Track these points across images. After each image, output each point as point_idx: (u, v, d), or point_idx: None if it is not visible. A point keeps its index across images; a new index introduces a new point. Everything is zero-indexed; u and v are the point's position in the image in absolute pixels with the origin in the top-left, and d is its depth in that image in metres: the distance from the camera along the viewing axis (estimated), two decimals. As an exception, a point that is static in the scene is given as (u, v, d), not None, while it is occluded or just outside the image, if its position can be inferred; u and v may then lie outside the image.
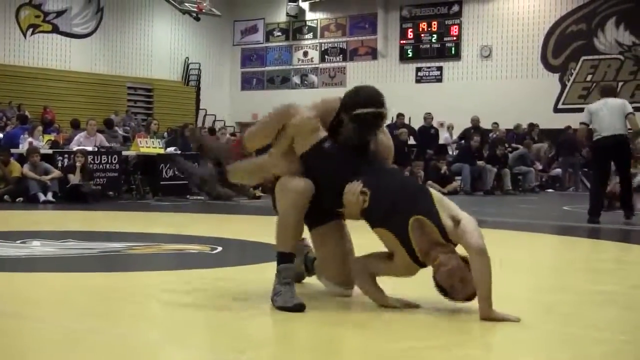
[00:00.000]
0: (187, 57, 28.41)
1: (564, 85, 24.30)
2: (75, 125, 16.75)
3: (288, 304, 4.05)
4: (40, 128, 15.68)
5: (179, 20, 27.39)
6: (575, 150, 19.91)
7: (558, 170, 20.86)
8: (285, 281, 4.17)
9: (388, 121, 21.58)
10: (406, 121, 20.65)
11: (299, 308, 4.02)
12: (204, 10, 24.84)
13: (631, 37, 23.48)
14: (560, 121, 22.33)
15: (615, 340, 3.63)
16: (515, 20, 24.97)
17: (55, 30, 25.17)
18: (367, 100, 4.13)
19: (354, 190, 4.07)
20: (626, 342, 3.61)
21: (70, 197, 12.73)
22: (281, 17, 29.21)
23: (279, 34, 29.46)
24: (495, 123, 21.16)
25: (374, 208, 4.08)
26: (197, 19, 25.37)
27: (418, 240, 3.97)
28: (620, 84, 23.52)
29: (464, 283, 3.92)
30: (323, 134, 4.16)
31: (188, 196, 14.51)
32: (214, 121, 26.54)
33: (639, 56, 23.35)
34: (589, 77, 24.02)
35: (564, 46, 24.36)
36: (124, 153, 14.73)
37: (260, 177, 4.65)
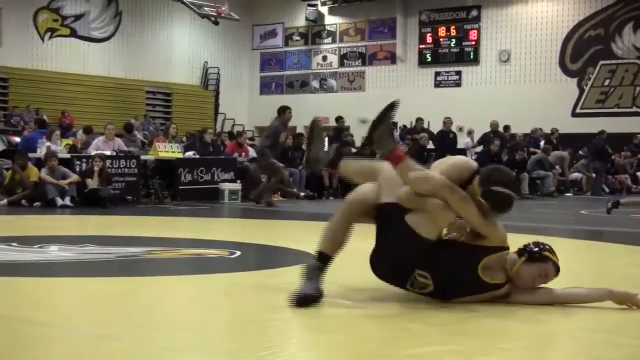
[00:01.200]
0: (206, 62, 28.50)
1: (582, 90, 24.21)
2: (88, 131, 16.81)
3: (292, 298, 4.22)
4: (58, 132, 15.75)
5: (197, 25, 27.48)
6: (604, 156, 19.82)
7: (576, 174, 20.77)
8: (303, 276, 4.35)
9: (407, 125, 21.48)
10: (425, 126, 20.62)
11: (294, 303, 4.17)
12: (222, 15, 24.89)
13: (649, 41, 23.37)
14: (578, 126, 22.26)
15: (630, 345, 3.62)
16: (534, 25, 24.89)
17: (73, 34, 25.31)
18: (508, 182, 4.33)
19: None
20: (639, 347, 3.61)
21: (88, 201, 12.77)
22: (300, 22, 29.25)
23: (298, 38, 29.49)
24: (507, 126, 21.07)
25: None
26: (216, 23, 25.43)
27: None
28: (637, 88, 23.44)
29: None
30: None
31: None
32: (232, 125, 26.61)
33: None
34: (606, 82, 23.91)
35: (582, 51, 24.27)
36: (143, 157, 14.78)
37: (365, 179, 4.69)
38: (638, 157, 22.37)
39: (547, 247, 4.37)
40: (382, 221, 4.44)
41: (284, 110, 14.89)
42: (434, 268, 4.27)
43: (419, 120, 20.06)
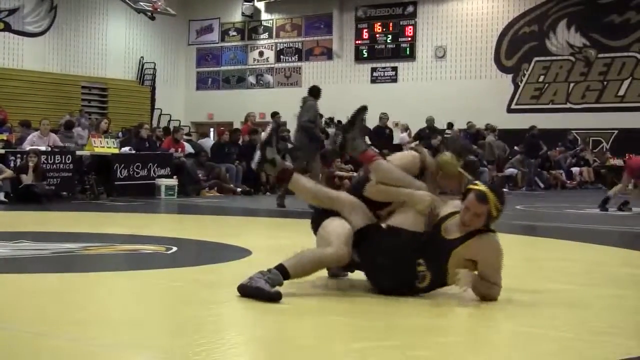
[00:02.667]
0: (142, 57, 28.19)
1: (516, 86, 24.59)
2: (26, 125, 16.54)
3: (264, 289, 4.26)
4: (-10, 127, 15.46)
5: (133, 20, 27.18)
6: (537, 151, 20.14)
7: (512, 170, 21.11)
8: (269, 282, 4.34)
9: (343, 121, 21.48)
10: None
11: (275, 296, 4.24)
12: (159, 10, 24.68)
13: (582, 38, 23.85)
14: (513, 122, 22.61)
15: (564, 338, 3.71)
16: (469, 22, 25.20)
17: (7, 28, 24.80)
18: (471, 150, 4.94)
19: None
20: (572, 340, 3.69)
21: (23, 197, 12.56)
22: (237, 17, 29.13)
23: (235, 33, 29.38)
24: (450, 123, 21.33)
25: None
26: (152, 18, 25.20)
27: None
28: (571, 85, 23.91)
29: None
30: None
31: None
32: (169, 121, 26.37)
33: (589, 58, 23.71)
34: (541, 78, 24.33)
35: (516, 47, 24.66)
36: (78, 153, 14.59)
37: (318, 203, 4.90)
38: (571, 152, 22.83)
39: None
40: (366, 241, 4.54)
41: (319, 91, 13.26)
42: (424, 253, 4.37)
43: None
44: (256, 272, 4.41)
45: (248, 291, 4.29)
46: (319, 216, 4.79)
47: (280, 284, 4.38)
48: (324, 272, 4.78)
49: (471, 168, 4.62)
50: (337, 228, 4.55)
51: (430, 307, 4.35)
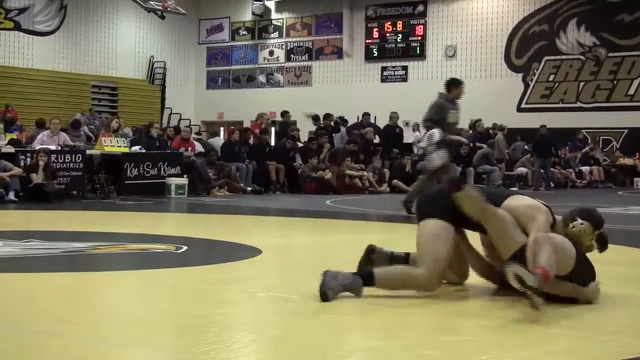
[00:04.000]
0: (152, 56, 28.25)
1: (527, 85, 24.54)
2: (41, 125, 16.58)
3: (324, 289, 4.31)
4: (1, 126, 15.48)
5: (144, 19, 27.23)
6: (548, 150, 20.06)
7: (522, 169, 21.05)
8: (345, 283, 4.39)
9: (353, 120, 21.55)
10: (372, 120, 20.73)
11: (324, 296, 4.28)
12: (169, 9, 24.70)
13: (592, 38, 23.78)
14: (523, 121, 22.56)
15: (569, 336, 3.70)
16: (479, 21, 25.16)
17: (17, 27, 24.88)
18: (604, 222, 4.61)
19: None
20: (581, 339, 3.69)
21: (33, 196, 12.59)
22: (247, 16, 29.16)
23: (245, 32, 29.40)
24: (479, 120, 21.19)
25: None
26: (162, 17, 25.22)
27: None
28: (581, 84, 23.83)
29: None
30: None
31: None
32: (179, 120, 26.42)
33: (599, 57, 23.64)
34: (551, 77, 24.27)
35: (526, 46, 24.60)
36: (88, 152, 14.61)
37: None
38: (581, 152, 22.75)
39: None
40: None
41: (456, 84, 11.62)
42: None
43: (366, 114, 20.16)
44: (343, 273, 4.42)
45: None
46: (423, 207, 4.71)
47: (359, 292, 4.39)
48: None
49: (601, 243, 4.55)
50: (438, 250, 4.47)
51: (439, 306, 4.35)
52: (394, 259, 4.85)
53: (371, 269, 4.51)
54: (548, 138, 20.15)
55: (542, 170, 19.90)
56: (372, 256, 4.85)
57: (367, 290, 4.44)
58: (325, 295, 4.28)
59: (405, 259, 4.85)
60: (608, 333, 3.88)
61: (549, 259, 4.16)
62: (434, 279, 4.44)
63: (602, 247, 4.57)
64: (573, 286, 4.36)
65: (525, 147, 21.70)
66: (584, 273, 4.40)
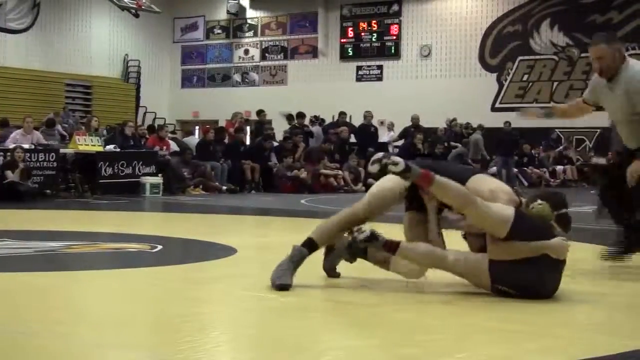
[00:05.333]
0: (127, 54, 28.09)
1: (501, 85, 24.68)
2: (5, 124, 16.43)
3: (275, 282, 4.53)
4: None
5: (118, 17, 27.04)
6: (512, 148, 20.16)
7: (494, 169, 21.15)
8: (291, 260, 4.61)
9: (329, 119, 21.55)
10: (347, 119, 20.78)
11: (280, 288, 4.47)
12: (143, 7, 24.58)
13: (565, 38, 23.96)
14: (497, 120, 22.67)
15: (544, 335, 3.73)
16: (454, 21, 25.26)
17: (-11, 25, 24.65)
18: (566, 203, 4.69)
19: None
20: (556, 337, 3.72)
21: (6, 195, 12.48)
22: (222, 15, 29.08)
23: (220, 31, 29.32)
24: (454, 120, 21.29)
25: None
26: (137, 15, 25.08)
27: None
28: (555, 84, 24.01)
29: None
30: None
31: None
32: (154, 119, 26.29)
33: (572, 57, 23.83)
34: (525, 77, 24.43)
35: (501, 46, 24.74)
36: (62, 151, 14.52)
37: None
38: (555, 151, 22.92)
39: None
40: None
41: None
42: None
43: (342, 114, 20.20)
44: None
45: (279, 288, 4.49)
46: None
47: (303, 258, 4.61)
48: (310, 271, 4.78)
49: (564, 222, 4.60)
50: (379, 188, 4.73)
51: (416, 304, 4.37)
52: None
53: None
54: (511, 136, 20.25)
55: (503, 170, 19.85)
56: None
57: (342, 289, 4.45)
58: (283, 288, 4.49)
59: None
60: (585, 331, 3.92)
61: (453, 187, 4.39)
62: (367, 209, 4.70)
63: (565, 226, 4.59)
64: (533, 245, 4.38)
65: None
66: (535, 232, 4.43)
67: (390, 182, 4.67)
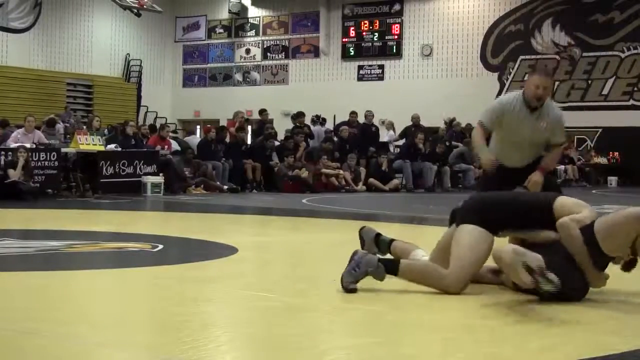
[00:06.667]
0: (128, 54, 28.10)
1: (502, 84, 24.66)
2: (3, 125, 16.42)
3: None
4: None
5: (119, 16, 27.06)
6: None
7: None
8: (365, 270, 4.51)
9: (330, 119, 21.45)
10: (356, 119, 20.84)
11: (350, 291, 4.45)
12: (144, 6, 24.56)
13: (566, 37, 23.94)
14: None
15: (550, 335, 3.72)
16: (456, 20, 25.24)
17: (-9, 24, 24.66)
18: None
19: None
20: (559, 335, 3.71)
21: (7, 194, 12.48)
22: (223, 14, 29.07)
23: (221, 30, 29.31)
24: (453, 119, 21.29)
25: None
26: (138, 14, 25.06)
27: None
28: (556, 83, 23.98)
29: None
30: None
31: None
32: (155, 118, 26.31)
33: (573, 56, 23.81)
34: (526, 77, 24.39)
35: (502, 46, 24.72)
36: (63, 150, 14.52)
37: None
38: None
39: None
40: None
41: None
42: None
43: (352, 113, 20.19)
44: (363, 254, 4.54)
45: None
46: (462, 213, 4.74)
47: (382, 278, 4.49)
48: (313, 272, 4.78)
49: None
50: (469, 257, 4.52)
51: (415, 304, 4.36)
52: (379, 241, 5.10)
53: (397, 259, 4.69)
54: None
55: None
56: (362, 234, 5.16)
57: (344, 292, 4.46)
58: (349, 290, 4.46)
59: (388, 244, 5.08)
60: (584, 330, 3.90)
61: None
62: (459, 284, 4.52)
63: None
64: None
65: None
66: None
67: (480, 250, 4.56)
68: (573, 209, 4.57)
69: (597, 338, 3.73)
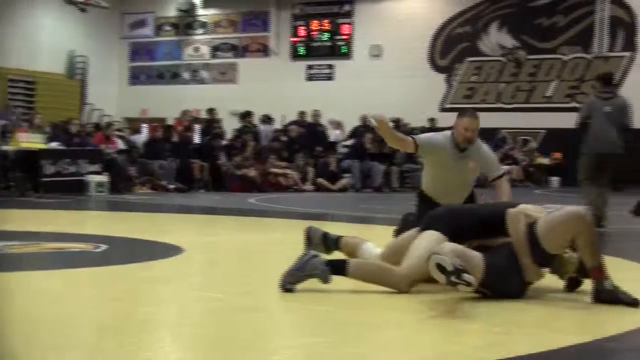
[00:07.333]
0: (73, 50, 27.68)
1: (450, 86, 24.86)
2: None
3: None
4: None
5: (64, 12, 26.60)
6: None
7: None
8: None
9: (279, 118, 21.38)
10: (296, 118, 20.78)
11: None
12: (90, 2, 24.23)
13: (512, 40, 24.23)
14: (446, 120, 22.79)
15: (491, 332, 3.72)
16: (405, 21, 25.36)
17: None
18: None
19: None
20: (501, 334, 3.71)
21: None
22: (171, 12, 28.82)
23: (169, 28, 29.05)
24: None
25: None
26: (83, 10, 24.71)
27: None
28: (502, 85, 24.29)
29: None
30: None
31: None
32: (101, 116, 25.96)
33: (519, 59, 24.10)
34: (473, 78, 24.65)
35: (450, 47, 24.91)
36: (3, 148, 14.20)
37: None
38: (500, 151, 23.14)
39: None
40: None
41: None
42: None
43: (301, 113, 20.16)
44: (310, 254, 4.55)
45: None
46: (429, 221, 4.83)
47: (327, 281, 4.47)
48: (263, 271, 4.70)
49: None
50: (420, 257, 4.54)
51: (365, 303, 4.34)
52: (326, 240, 5.19)
53: (345, 259, 4.74)
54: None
55: None
56: (309, 234, 5.22)
57: (297, 293, 4.40)
58: (286, 290, 4.45)
59: (336, 242, 5.19)
60: (528, 327, 3.98)
61: None
62: (408, 283, 4.58)
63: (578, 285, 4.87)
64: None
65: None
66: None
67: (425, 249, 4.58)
68: (526, 211, 4.71)
69: (538, 335, 3.80)
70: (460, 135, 5.79)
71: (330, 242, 5.19)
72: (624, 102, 9.72)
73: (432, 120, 22.26)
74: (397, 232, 5.43)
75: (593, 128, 9.41)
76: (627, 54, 22.66)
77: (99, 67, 28.38)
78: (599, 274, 4.43)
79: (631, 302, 4.31)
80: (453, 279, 4.09)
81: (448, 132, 5.93)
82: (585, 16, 23.44)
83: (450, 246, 4.38)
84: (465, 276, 4.09)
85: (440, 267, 4.12)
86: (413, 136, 6.03)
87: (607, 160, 9.44)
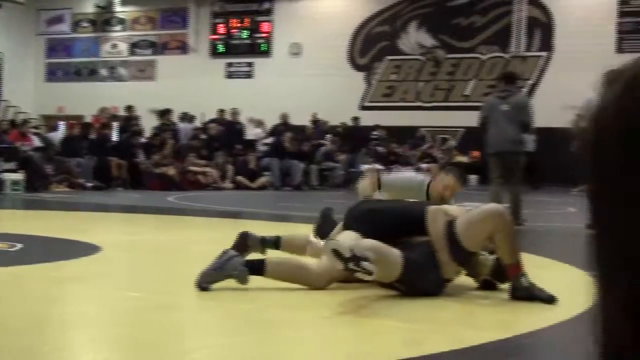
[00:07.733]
0: (-13, 46, 27.01)
1: (369, 84, 25.09)
2: None
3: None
4: None
5: (-23, 7, 25.98)
6: (358, 145, 20.70)
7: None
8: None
9: (198, 116, 21.26)
10: (216, 116, 20.71)
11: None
12: (5, -3, 23.68)
13: (431, 39, 24.58)
14: (365, 119, 23.04)
15: (408, 329, 3.82)
16: (325, 20, 25.49)
17: None
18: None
19: None
20: (417, 331, 3.81)
21: None
22: (89, 8, 28.36)
23: (87, 24, 28.59)
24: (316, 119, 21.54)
25: None
26: (-2, 6, 24.15)
27: None
28: (421, 84, 24.62)
29: None
30: None
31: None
32: (16, 113, 25.38)
33: (438, 58, 24.47)
34: (392, 77, 24.92)
35: (370, 46, 25.13)
36: None
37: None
38: (420, 150, 23.48)
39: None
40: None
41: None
42: None
43: (220, 111, 20.09)
44: (228, 255, 4.50)
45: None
46: (350, 221, 4.92)
47: (245, 282, 4.44)
48: (184, 270, 4.74)
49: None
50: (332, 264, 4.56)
51: (282, 301, 4.39)
52: (265, 242, 5.16)
53: (263, 258, 4.72)
54: (359, 132, 20.71)
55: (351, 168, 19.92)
56: (247, 242, 5.09)
57: (217, 291, 4.44)
58: (202, 289, 4.41)
59: (275, 242, 5.19)
60: (445, 324, 4.04)
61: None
62: (324, 280, 4.63)
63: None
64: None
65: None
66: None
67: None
68: (445, 209, 4.84)
69: (455, 332, 3.85)
70: (437, 193, 5.58)
71: (269, 245, 5.18)
72: (522, 100, 9.83)
73: (355, 119, 22.45)
74: (317, 228, 5.45)
75: (491, 127, 9.54)
76: (543, 53, 23.19)
77: (14, 63, 27.74)
78: (516, 271, 4.48)
79: (547, 299, 4.37)
80: (351, 265, 4.09)
81: (425, 178, 5.81)
82: (502, 16, 23.91)
83: (369, 241, 4.41)
84: (365, 264, 4.08)
85: (337, 253, 4.12)
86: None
87: (510, 158, 9.53)
